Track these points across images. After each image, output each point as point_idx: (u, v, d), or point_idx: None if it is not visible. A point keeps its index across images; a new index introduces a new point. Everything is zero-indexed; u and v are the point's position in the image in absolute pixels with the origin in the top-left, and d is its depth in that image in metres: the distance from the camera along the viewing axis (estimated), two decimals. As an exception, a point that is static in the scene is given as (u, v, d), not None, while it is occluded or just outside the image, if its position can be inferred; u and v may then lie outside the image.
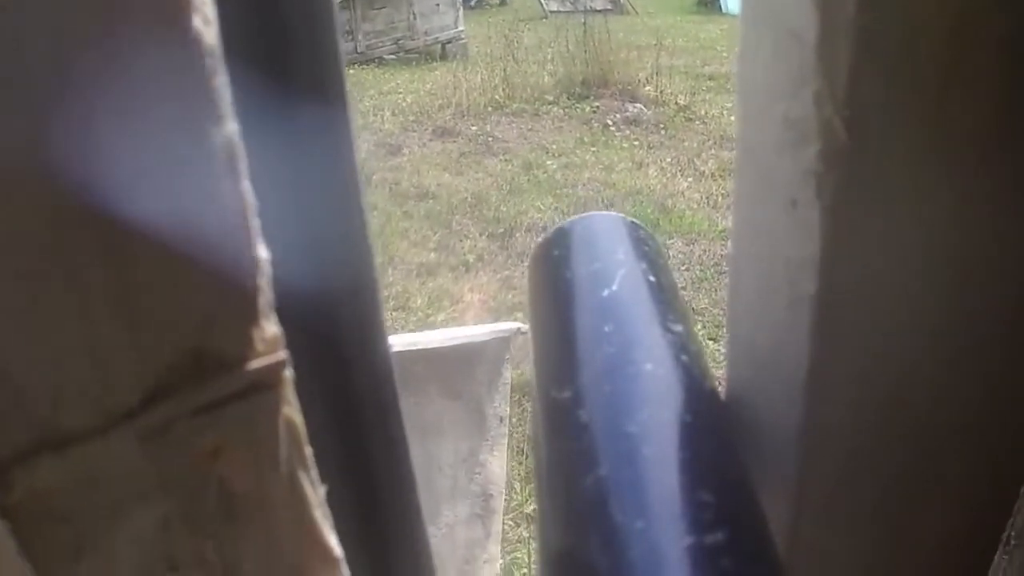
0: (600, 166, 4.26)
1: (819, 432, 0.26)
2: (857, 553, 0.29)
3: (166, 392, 0.18)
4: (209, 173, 0.16)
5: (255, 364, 0.18)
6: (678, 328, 0.29)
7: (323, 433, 0.22)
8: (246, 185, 0.17)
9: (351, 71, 6.00)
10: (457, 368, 0.82)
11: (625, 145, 4.57)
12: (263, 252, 0.17)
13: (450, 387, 0.83)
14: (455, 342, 0.82)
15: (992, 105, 0.20)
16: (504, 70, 5.56)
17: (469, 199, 3.89)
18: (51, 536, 0.18)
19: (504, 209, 3.76)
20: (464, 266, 3.27)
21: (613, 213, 0.38)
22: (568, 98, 5.27)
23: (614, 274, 0.31)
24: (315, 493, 0.20)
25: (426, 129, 4.90)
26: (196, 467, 0.19)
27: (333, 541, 0.21)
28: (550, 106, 5.20)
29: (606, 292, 0.30)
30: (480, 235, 3.53)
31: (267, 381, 0.18)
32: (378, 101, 5.36)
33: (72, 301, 0.16)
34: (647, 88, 5.29)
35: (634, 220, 0.37)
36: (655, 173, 4.14)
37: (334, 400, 0.31)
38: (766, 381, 0.27)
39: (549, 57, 5.83)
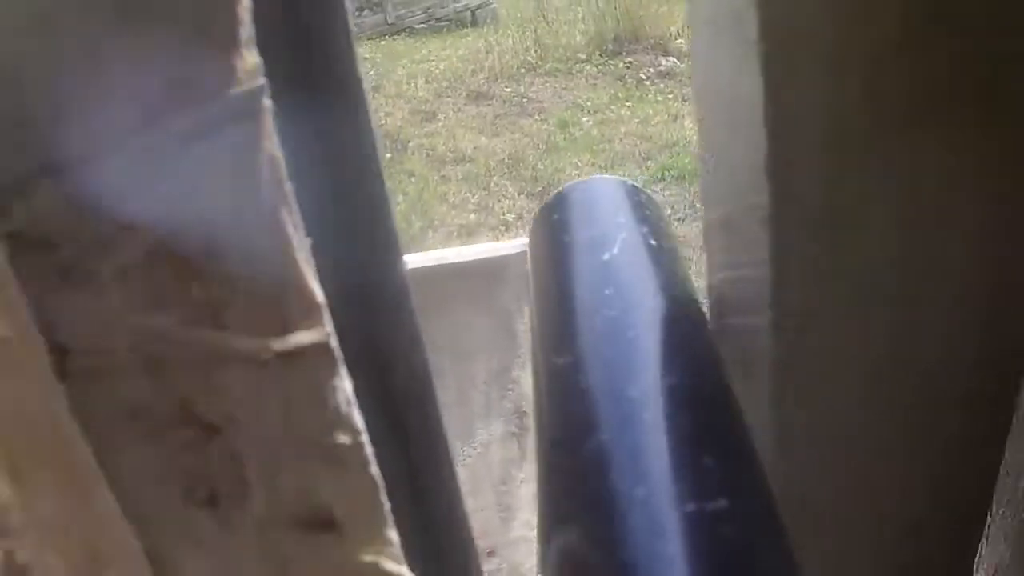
0: (635, 120, 4.23)
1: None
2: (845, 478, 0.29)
3: (149, 120, 0.19)
4: None
5: (236, 91, 0.19)
6: (679, 292, 0.28)
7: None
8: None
9: (382, 43, 6.01)
10: (485, 283, 0.83)
11: (659, 99, 4.52)
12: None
13: (478, 302, 0.84)
14: (482, 256, 0.83)
15: None
16: (535, 31, 5.52)
17: (506, 160, 3.89)
18: (41, 263, 0.20)
19: (541, 168, 3.75)
20: (504, 226, 3.28)
21: (613, 177, 0.37)
22: (600, 55, 5.22)
23: (614, 238, 0.31)
24: (298, 235, 0.21)
25: (460, 94, 4.89)
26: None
27: (316, 287, 0.22)
28: (583, 64, 5.16)
29: (606, 256, 0.30)
30: (519, 195, 3.53)
31: (248, 109, 0.19)
32: (411, 69, 5.35)
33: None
34: (679, 41, 5.21)
35: (634, 183, 0.36)
36: (691, 125, 4.09)
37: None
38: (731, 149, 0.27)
39: (580, 16, 5.76)
